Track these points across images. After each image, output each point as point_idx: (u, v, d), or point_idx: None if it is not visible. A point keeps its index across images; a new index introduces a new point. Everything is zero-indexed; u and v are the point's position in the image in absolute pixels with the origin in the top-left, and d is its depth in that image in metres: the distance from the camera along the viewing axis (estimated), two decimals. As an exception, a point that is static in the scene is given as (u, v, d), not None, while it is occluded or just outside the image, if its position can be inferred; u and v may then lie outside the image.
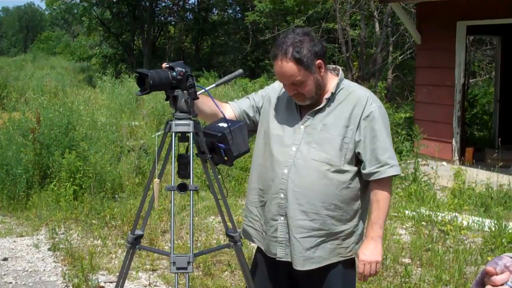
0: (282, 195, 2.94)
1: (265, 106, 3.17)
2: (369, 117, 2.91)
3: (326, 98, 2.96)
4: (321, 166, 2.90)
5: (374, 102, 2.96)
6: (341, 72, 3.07)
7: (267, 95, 3.20)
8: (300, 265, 2.96)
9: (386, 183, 2.97)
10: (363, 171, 2.94)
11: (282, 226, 2.98)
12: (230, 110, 3.17)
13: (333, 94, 2.97)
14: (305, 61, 2.84)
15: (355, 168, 2.95)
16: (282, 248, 3.00)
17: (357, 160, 2.96)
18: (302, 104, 3.00)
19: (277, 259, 3.02)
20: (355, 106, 2.93)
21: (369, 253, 2.96)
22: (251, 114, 3.20)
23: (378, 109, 2.94)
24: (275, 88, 3.19)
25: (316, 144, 2.92)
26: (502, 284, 1.69)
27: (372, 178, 2.94)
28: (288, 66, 2.85)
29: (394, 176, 3.02)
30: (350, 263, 3.06)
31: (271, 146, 3.02)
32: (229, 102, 3.25)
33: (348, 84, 3.05)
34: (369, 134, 2.91)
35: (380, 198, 2.95)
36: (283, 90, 3.08)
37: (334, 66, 3.11)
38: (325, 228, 2.94)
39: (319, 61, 2.89)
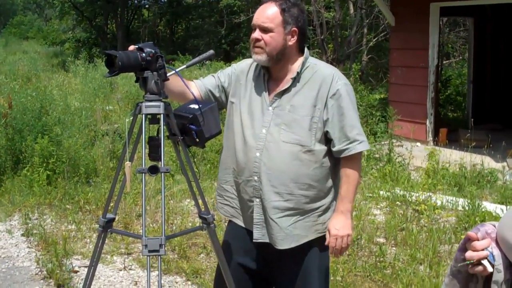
0: (256, 178, 2.95)
1: (232, 86, 3.15)
2: (336, 95, 2.92)
3: (291, 78, 2.96)
4: (293, 148, 2.91)
5: (340, 79, 2.96)
6: (306, 50, 3.06)
7: (234, 75, 3.17)
8: (280, 244, 2.97)
9: (355, 158, 2.99)
10: (333, 149, 2.96)
11: (258, 207, 3.00)
12: (195, 88, 3.15)
13: (299, 74, 2.97)
14: (286, 15, 2.91)
15: (325, 147, 2.96)
16: (258, 230, 3.02)
17: (326, 138, 2.96)
18: (258, 62, 3.00)
19: (253, 241, 3.03)
20: (321, 84, 2.93)
21: (340, 227, 2.96)
22: (216, 94, 3.18)
23: (344, 87, 2.95)
24: (243, 69, 3.17)
25: (286, 125, 2.93)
26: (482, 249, 1.73)
27: (342, 155, 2.96)
28: (270, 8, 2.92)
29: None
30: (324, 241, 3.05)
31: (242, 129, 3.01)
32: (194, 80, 3.22)
33: (313, 62, 3.05)
34: (337, 112, 2.92)
35: (349, 173, 2.97)
36: (251, 70, 3.08)
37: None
38: (300, 207, 2.96)
39: (296, 28, 2.93)
